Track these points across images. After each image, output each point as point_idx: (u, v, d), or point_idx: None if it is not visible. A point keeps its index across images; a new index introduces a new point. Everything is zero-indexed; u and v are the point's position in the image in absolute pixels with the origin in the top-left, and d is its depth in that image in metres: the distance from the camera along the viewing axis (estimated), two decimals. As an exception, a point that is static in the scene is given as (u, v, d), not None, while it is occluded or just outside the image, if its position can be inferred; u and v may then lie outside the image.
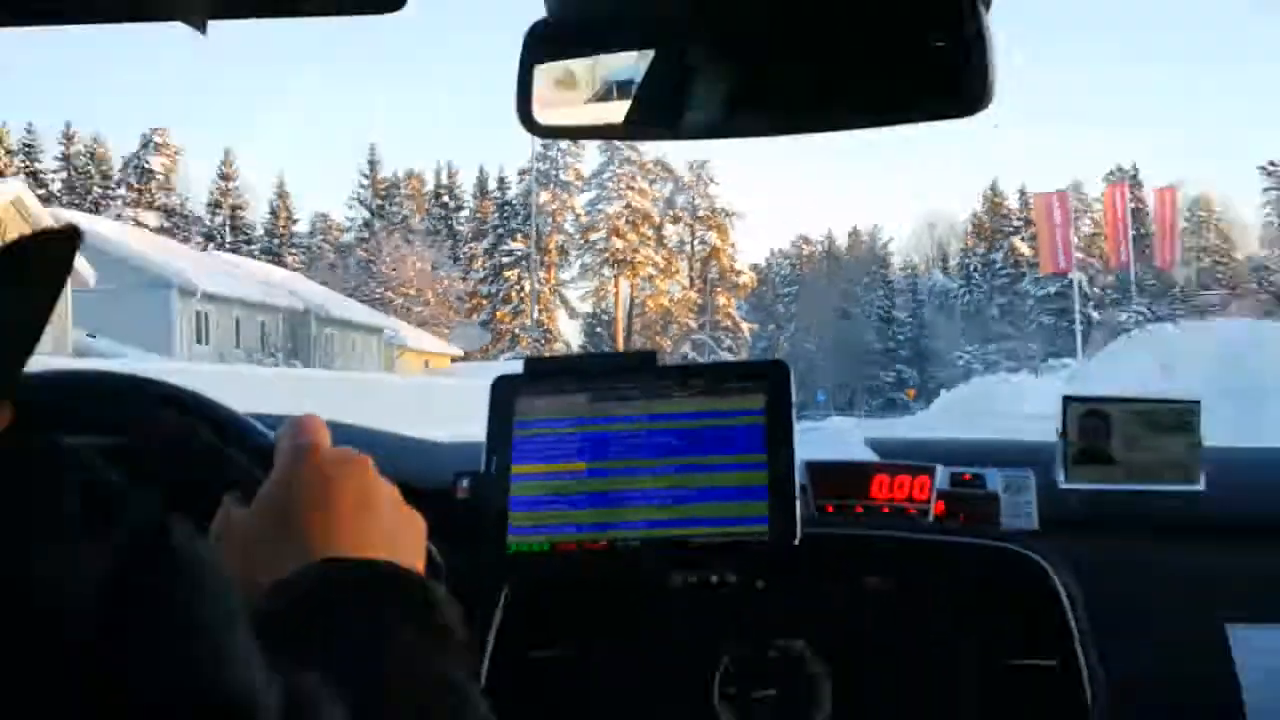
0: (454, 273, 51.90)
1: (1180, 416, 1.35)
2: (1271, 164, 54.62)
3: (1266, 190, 54.88)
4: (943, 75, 1.02)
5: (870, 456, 1.46)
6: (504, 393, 1.28)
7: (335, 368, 33.94)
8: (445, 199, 57.92)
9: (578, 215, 54.90)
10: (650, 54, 1.17)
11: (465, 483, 1.32)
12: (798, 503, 1.20)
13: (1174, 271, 44.73)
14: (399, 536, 0.79)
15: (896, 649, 1.28)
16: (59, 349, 21.59)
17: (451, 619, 0.70)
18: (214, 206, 53.71)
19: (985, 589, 1.29)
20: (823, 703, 1.25)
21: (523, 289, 53.00)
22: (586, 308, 56.79)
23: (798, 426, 1.23)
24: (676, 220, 56.73)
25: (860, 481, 1.38)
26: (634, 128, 1.20)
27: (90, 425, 1.09)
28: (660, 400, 1.26)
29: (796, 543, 1.19)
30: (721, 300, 57.63)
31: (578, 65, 1.18)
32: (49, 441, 0.44)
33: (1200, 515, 1.38)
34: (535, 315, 52.14)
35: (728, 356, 52.01)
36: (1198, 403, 1.37)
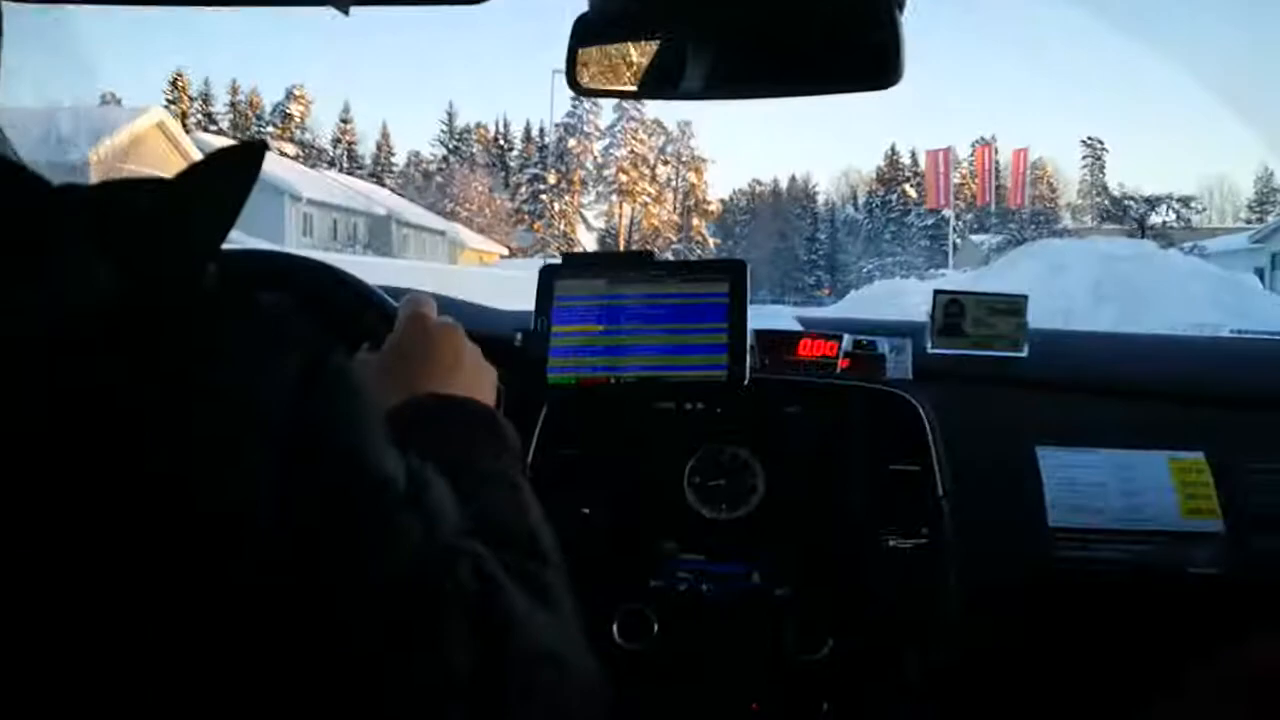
0: (504, 195, 50.90)
1: (1012, 304, 1.36)
2: (1088, 139, 55.28)
3: (1084, 157, 55.09)
4: (866, 59, 0.99)
5: (798, 328, 1.45)
6: (548, 276, 1.28)
7: (409, 259, 32.52)
8: (501, 142, 56.57)
9: (595, 157, 53.59)
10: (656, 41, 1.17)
11: (520, 336, 1.32)
12: (748, 356, 1.21)
13: (1022, 210, 43.90)
14: (478, 381, 0.79)
15: (810, 454, 1.28)
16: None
17: (510, 436, 0.72)
18: (335, 142, 52.25)
19: (872, 417, 1.29)
20: (758, 488, 1.26)
21: (552, 209, 52.16)
22: (600, 224, 55.85)
23: (758, 309, 1.23)
24: (666, 164, 55.43)
25: (791, 343, 1.38)
26: (644, 91, 1.15)
27: (262, 283, 1.08)
28: (655, 284, 1.26)
29: (745, 383, 1.19)
30: (695, 222, 56.68)
31: (610, 47, 1.17)
32: (253, 294, 0.41)
33: (1022, 372, 1.38)
34: (561, 228, 51.51)
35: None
36: (1025, 296, 1.37)
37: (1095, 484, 1.28)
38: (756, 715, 1.21)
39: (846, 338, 1.37)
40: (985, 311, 1.35)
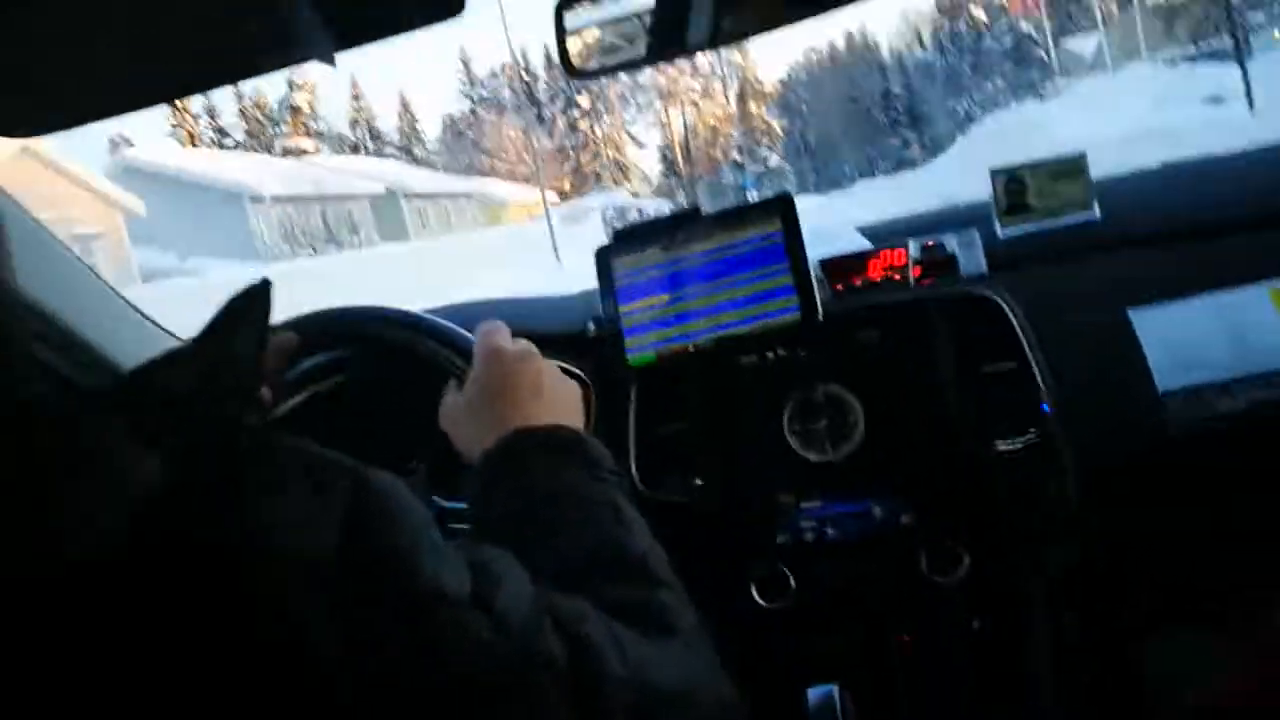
0: (541, 133, 50.35)
1: (1074, 165, 1.41)
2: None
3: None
4: None
5: (862, 242, 1.51)
6: (604, 258, 1.38)
7: (432, 235, 30.52)
8: (524, 75, 56.01)
9: None
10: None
11: (591, 325, 1.45)
12: (816, 291, 1.28)
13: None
14: (560, 404, 0.86)
15: (902, 375, 1.36)
16: (122, 276, 18.86)
17: (601, 456, 0.79)
18: (353, 124, 52.57)
19: (956, 324, 1.36)
20: (858, 423, 1.35)
21: (595, 136, 51.56)
22: (653, 139, 55.12)
23: (821, 213, 1.29)
24: (705, 52, 54.30)
25: (859, 265, 1.46)
26: (651, 55, 1.21)
27: (336, 343, 1.19)
28: (706, 240, 1.34)
29: (820, 319, 1.26)
30: (753, 109, 55.51)
31: (602, 20, 1.22)
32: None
33: (1097, 234, 1.42)
34: (609, 155, 51.00)
35: (768, 154, 50.59)
36: (1084, 154, 1.42)
37: (1197, 336, 1.31)
38: (908, 646, 1.33)
39: (912, 244, 1.44)
40: (1047, 179, 1.41)
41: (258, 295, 0.56)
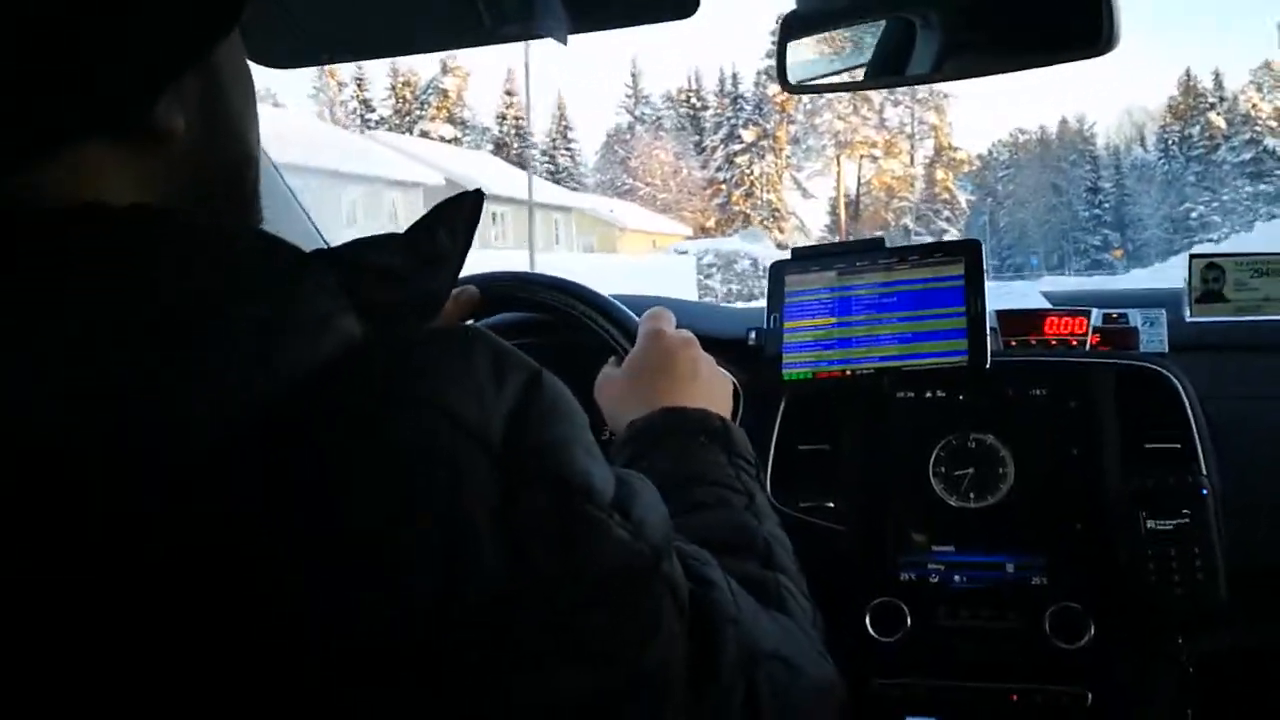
0: (694, 163, 50.80)
1: (1278, 263, 1.53)
2: None
3: None
4: (1084, 26, 1.15)
5: (1044, 304, 1.67)
6: (778, 271, 1.57)
7: (495, 245, 29.54)
8: (692, 100, 56.74)
9: (803, 103, 52.42)
10: (877, 25, 1.37)
11: (754, 335, 1.61)
12: (988, 339, 1.43)
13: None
14: (714, 392, 0.99)
15: (1061, 436, 1.48)
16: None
17: (743, 446, 0.89)
18: (500, 118, 54.02)
19: (1125, 394, 1.48)
20: (1007, 476, 1.48)
21: (752, 173, 51.51)
22: (820, 188, 55.08)
23: (1003, 288, 1.45)
24: (896, 104, 54.12)
25: (1035, 322, 1.61)
26: (868, 80, 1.39)
27: (513, 305, 1.39)
28: (886, 272, 1.51)
29: (988, 366, 1.42)
30: (940, 175, 55.06)
31: (824, 38, 1.37)
32: (472, 328, 0.54)
33: None
34: (764, 197, 50.87)
35: (946, 227, 49.99)
36: None
37: None
38: (1015, 705, 1.44)
39: (1095, 312, 1.59)
40: (1249, 274, 1.53)
41: (469, 199, 0.64)
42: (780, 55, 1.34)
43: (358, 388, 0.47)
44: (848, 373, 1.51)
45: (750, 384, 1.53)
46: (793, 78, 1.36)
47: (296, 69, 1.37)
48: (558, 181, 47.67)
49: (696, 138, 54.44)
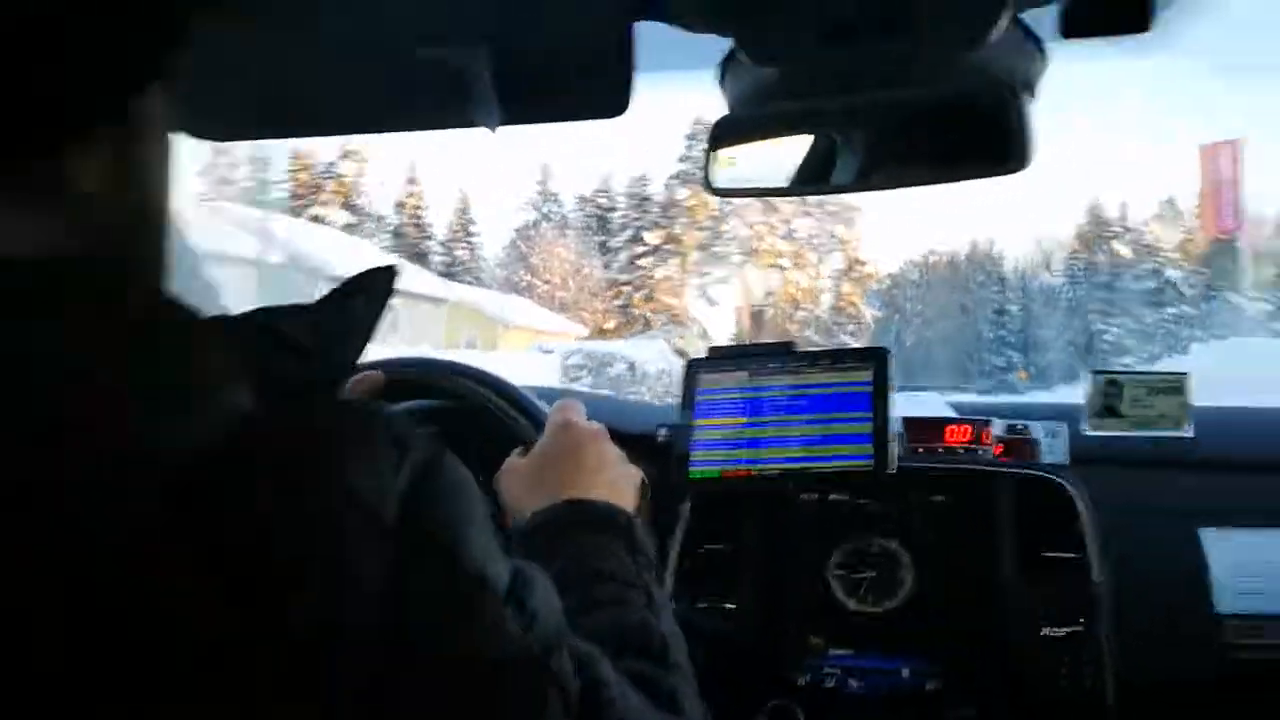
0: (596, 263, 50.98)
1: (1174, 382, 1.68)
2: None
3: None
4: (1003, 146, 1.24)
5: (950, 413, 1.78)
6: (693, 369, 1.65)
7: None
8: (600, 200, 57.34)
9: (710, 208, 52.75)
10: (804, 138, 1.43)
11: (664, 431, 1.69)
12: (894, 445, 1.50)
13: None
14: (620, 486, 0.99)
15: (960, 544, 1.58)
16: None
17: (645, 543, 0.90)
18: (399, 206, 53.95)
19: (1024, 503, 1.59)
20: (906, 581, 1.57)
21: (654, 277, 51.53)
22: (728, 298, 55.82)
23: (912, 397, 1.55)
24: (807, 214, 55.49)
25: (939, 430, 1.72)
26: (793, 188, 1.45)
27: (419, 392, 1.44)
28: (796, 375, 1.60)
29: (892, 472, 1.48)
30: (846, 289, 56.45)
31: (753, 146, 1.42)
32: (374, 404, 0.56)
33: (1182, 452, 1.67)
34: (666, 301, 51.24)
35: (848, 341, 51.19)
36: (1186, 374, 1.68)
37: (1266, 564, 1.55)
38: None
39: (998, 423, 1.70)
40: (1144, 391, 1.67)
41: (384, 274, 0.66)
42: (708, 159, 1.41)
43: (252, 459, 0.47)
44: (754, 473, 1.57)
45: (657, 481, 1.58)
46: (719, 182, 1.43)
47: (229, 143, 1.42)
48: (451, 275, 47.64)
49: (602, 238, 54.77)
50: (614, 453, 1.04)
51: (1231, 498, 1.63)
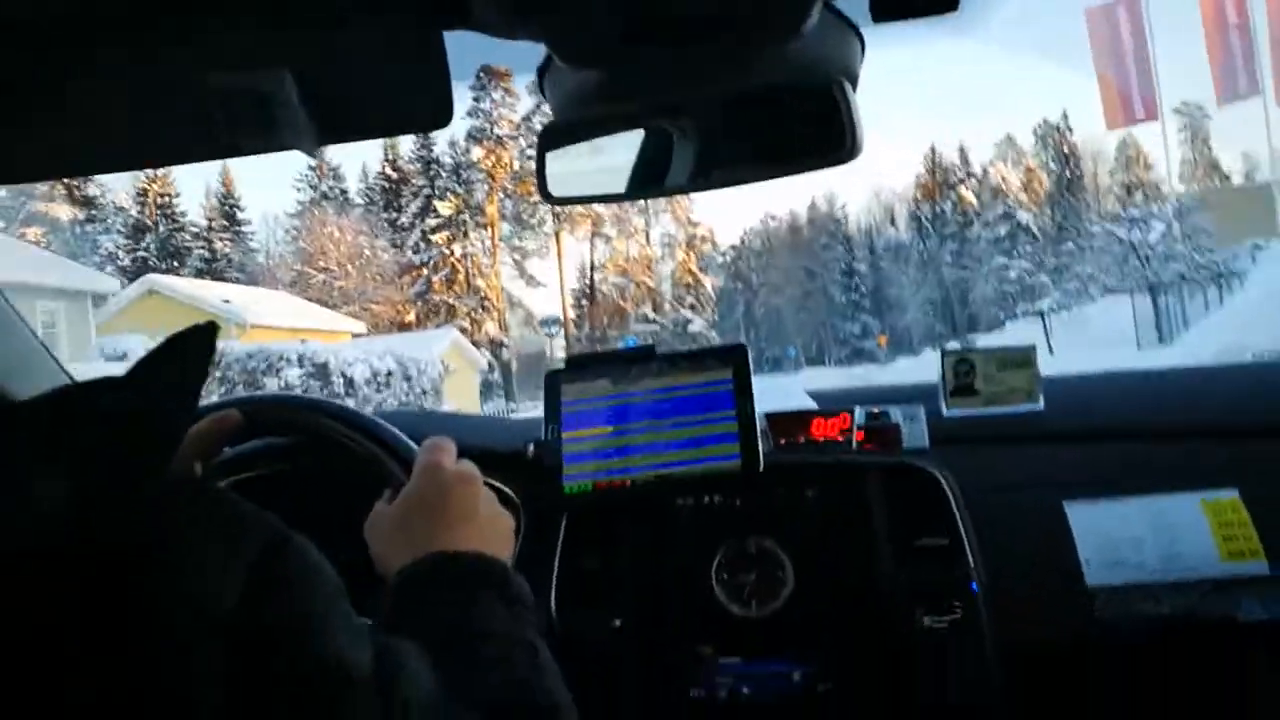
0: (383, 244, 49.75)
1: (1023, 356, 1.98)
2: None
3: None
4: (830, 137, 1.38)
5: (810, 404, 2.05)
6: (553, 381, 1.86)
7: None
8: (389, 171, 55.70)
9: (512, 168, 52.20)
10: (633, 136, 1.56)
11: (532, 447, 1.89)
12: (760, 442, 1.74)
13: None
14: (491, 533, 1.06)
15: (835, 537, 1.81)
16: None
17: (523, 593, 0.97)
18: (141, 195, 51.63)
19: (893, 492, 1.84)
20: (787, 580, 1.79)
21: (453, 254, 50.88)
22: (545, 272, 54.50)
23: (764, 384, 1.72)
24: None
25: (803, 423, 1.99)
26: (630, 192, 1.61)
27: (279, 430, 1.54)
28: (659, 379, 1.83)
29: (760, 469, 1.72)
30: (682, 256, 56.33)
31: (583, 149, 1.55)
32: (210, 486, 0.59)
33: (1041, 425, 1.97)
34: (475, 283, 49.86)
35: (691, 316, 51.23)
36: (1033, 346, 1.99)
37: (1129, 536, 1.81)
38: None
39: (858, 410, 1.98)
40: (995, 366, 1.97)
41: (202, 333, 0.68)
42: (540, 166, 1.53)
43: (66, 554, 0.50)
44: (628, 482, 1.78)
45: (530, 500, 1.81)
46: (554, 190, 1.56)
47: (20, 184, 1.52)
48: (214, 272, 45.88)
49: (393, 215, 53.62)
50: (485, 497, 1.11)
51: (1087, 468, 1.91)
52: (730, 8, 1.21)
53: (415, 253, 51.44)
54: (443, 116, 1.26)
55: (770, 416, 2.00)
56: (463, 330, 41.85)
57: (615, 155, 1.58)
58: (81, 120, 1.28)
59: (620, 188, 1.59)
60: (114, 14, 1.09)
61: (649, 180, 1.57)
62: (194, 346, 0.67)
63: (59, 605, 0.49)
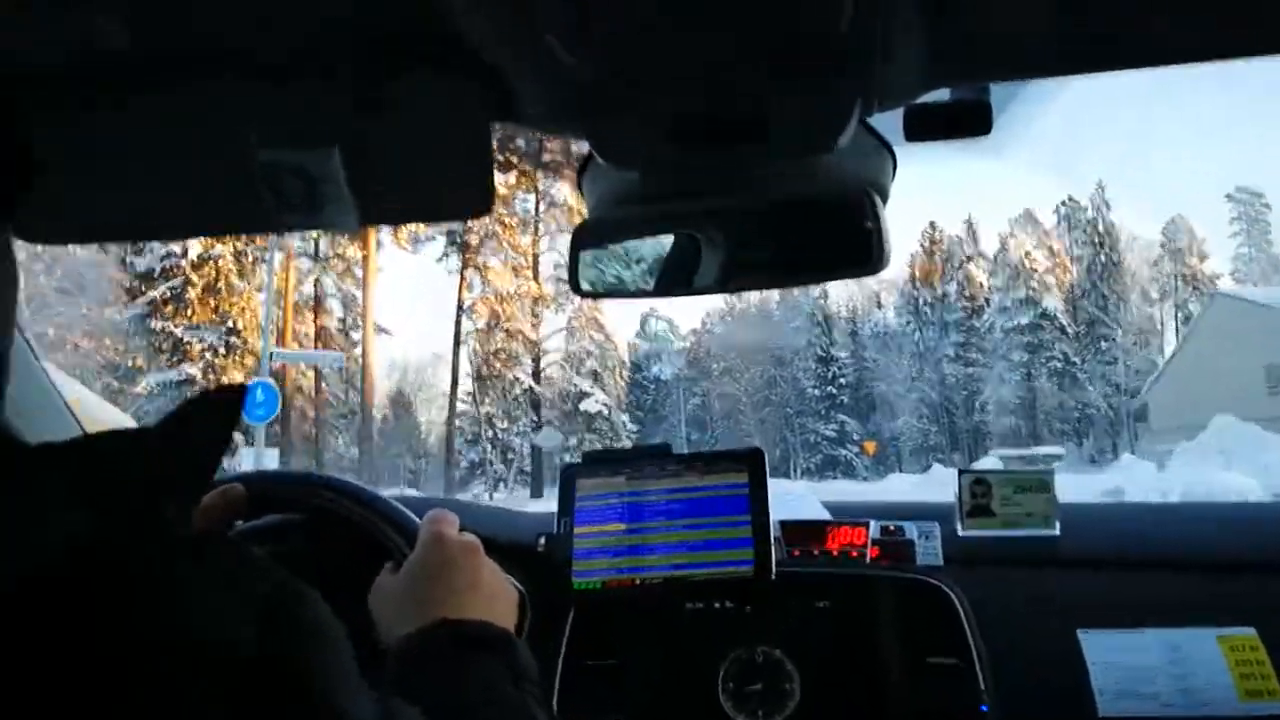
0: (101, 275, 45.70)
1: (1040, 480, 2.52)
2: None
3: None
4: (858, 247, 1.64)
5: (824, 514, 2.53)
6: (569, 475, 2.32)
7: None
8: None
9: None
10: (665, 239, 1.88)
11: (543, 540, 2.32)
12: (773, 549, 2.16)
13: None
14: (496, 603, 1.26)
15: (845, 651, 2.24)
16: None
17: (528, 663, 1.15)
18: None
19: (906, 608, 2.27)
20: (794, 692, 2.24)
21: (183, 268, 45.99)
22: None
23: (779, 485, 2.15)
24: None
25: (817, 533, 2.49)
26: (659, 289, 1.89)
27: (283, 506, 1.86)
28: (674, 479, 2.29)
29: (773, 578, 2.12)
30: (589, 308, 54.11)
31: (616, 248, 1.87)
32: (225, 536, 0.89)
33: (1056, 551, 2.44)
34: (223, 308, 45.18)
35: (585, 386, 49.43)
36: (1052, 471, 2.50)
37: (1143, 667, 2.19)
38: None
39: (873, 524, 2.47)
40: (1012, 489, 2.51)
41: (230, 394, 0.82)
42: (573, 261, 1.83)
43: (84, 588, 0.60)
44: (638, 581, 2.21)
45: (539, 594, 2.00)
46: (584, 285, 1.87)
47: (62, 245, 1.86)
48: None
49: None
50: (490, 567, 1.35)
51: (1102, 596, 2.38)
52: (773, 118, 1.42)
53: (140, 280, 45.96)
54: (483, 206, 1.44)
55: (785, 524, 2.48)
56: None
57: (645, 254, 1.88)
58: (133, 185, 1.49)
59: (649, 286, 1.89)
60: (161, 79, 1.33)
61: (678, 281, 1.86)
62: (223, 407, 0.81)
63: (69, 641, 0.59)
